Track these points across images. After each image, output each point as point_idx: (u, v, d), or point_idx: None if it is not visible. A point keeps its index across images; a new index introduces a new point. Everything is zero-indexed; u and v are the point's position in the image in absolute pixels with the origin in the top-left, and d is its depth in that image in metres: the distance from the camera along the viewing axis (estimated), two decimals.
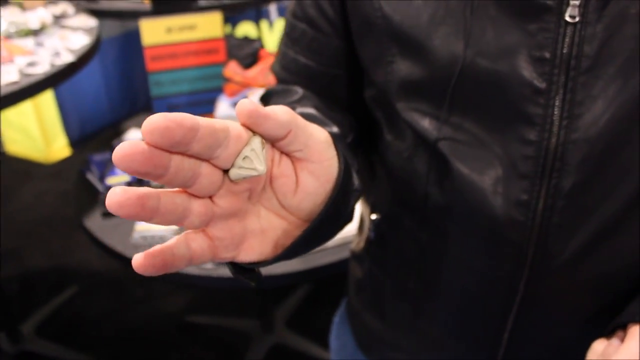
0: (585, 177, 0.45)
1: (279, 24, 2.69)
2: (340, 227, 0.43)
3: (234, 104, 1.34)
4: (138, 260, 0.31)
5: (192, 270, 1.12)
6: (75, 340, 1.82)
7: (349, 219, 0.43)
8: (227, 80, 1.42)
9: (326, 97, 0.59)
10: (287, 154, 0.35)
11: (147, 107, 2.15)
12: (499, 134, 0.47)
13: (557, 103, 0.44)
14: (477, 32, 0.47)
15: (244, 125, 0.32)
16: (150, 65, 1.41)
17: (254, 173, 0.32)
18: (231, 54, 1.48)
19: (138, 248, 1.17)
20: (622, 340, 0.47)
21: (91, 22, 1.44)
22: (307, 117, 0.44)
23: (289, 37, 0.60)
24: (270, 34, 2.75)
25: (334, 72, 0.59)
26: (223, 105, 1.34)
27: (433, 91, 0.49)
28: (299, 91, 0.57)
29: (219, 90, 1.47)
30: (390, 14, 0.51)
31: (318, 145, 0.36)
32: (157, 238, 1.17)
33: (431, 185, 0.52)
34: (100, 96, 2.74)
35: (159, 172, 0.28)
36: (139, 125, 1.60)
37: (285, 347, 1.76)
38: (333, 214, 0.38)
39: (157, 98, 1.45)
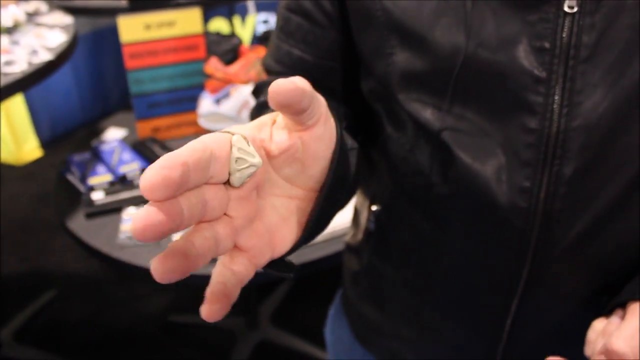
0: (585, 163, 0.46)
1: (252, 20, 2.67)
2: (349, 190, 0.45)
3: (217, 101, 1.33)
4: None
5: None
6: (55, 345, 1.79)
7: (353, 183, 0.45)
8: (208, 76, 1.41)
9: (321, 90, 0.59)
10: (299, 124, 0.35)
11: (122, 104, 2.11)
12: (501, 123, 0.48)
13: (557, 92, 0.45)
14: (477, 23, 0.47)
15: (280, 105, 0.32)
16: (129, 63, 1.39)
17: (252, 169, 0.32)
18: (210, 50, 1.47)
19: (124, 249, 1.15)
20: (622, 318, 0.49)
21: (67, 19, 1.41)
22: None
23: (283, 31, 0.60)
24: (243, 30, 2.73)
25: (329, 64, 0.59)
26: (206, 102, 1.33)
27: (435, 82, 0.50)
28: None
29: (199, 87, 1.46)
30: (390, 7, 0.51)
31: (324, 108, 0.36)
32: None
33: (434, 175, 0.52)
34: (71, 96, 2.68)
35: (177, 223, 0.28)
36: (117, 124, 1.58)
37: (270, 343, 1.76)
38: (341, 171, 0.39)
39: (137, 96, 1.43)
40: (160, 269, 0.27)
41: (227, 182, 0.32)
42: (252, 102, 0.62)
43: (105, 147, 1.41)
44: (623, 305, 0.50)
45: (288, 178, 0.38)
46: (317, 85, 0.58)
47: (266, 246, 0.35)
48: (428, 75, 0.50)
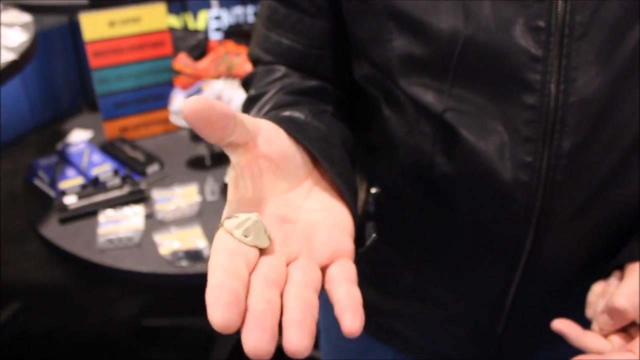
0: (584, 136, 0.48)
1: (204, 16, 2.63)
2: (344, 139, 0.49)
3: (189, 96, 1.30)
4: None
5: (148, 268, 1.09)
6: (24, 358, 1.72)
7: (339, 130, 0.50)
8: (176, 73, 1.38)
9: (313, 76, 0.59)
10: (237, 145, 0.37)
11: (75, 107, 2.05)
12: (501, 102, 0.49)
13: (553, 69, 0.47)
14: (475, 7, 0.49)
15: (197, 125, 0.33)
16: (94, 62, 1.35)
17: (258, 223, 0.35)
18: (175, 46, 1.44)
19: (105, 252, 1.12)
20: (620, 279, 0.52)
21: (25, 17, 1.35)
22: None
23: (271, 20, 0.60)
24: (196, 26, 2.69)
25: (319, 52, 0.59)
26: (179, 98, 1.30)
27: (435, 66, 0.51)
28: (281, 69, 0.58)
29: (168, 84, 1.43)
30: None
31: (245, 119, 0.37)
32: (124, 240, 1.13)
33: (437, 155, 0.53)
34: (19, 100, 2.57)
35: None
36: (82, 126, 1.52)
37: None
38: (316, 135, 0.43)
39: (103, 96, 1.38)
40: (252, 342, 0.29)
41: (261, 250, 0.34)
42: (228, 98, 0.61)
43: (72, 150, 1.36)
44: (621, 267, 0.53)
45: (282, 175, 0.40)
46: (309, 73, 0.59)
47: (327, 248, 0.38)
48: (428, 59, 0.51)
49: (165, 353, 1.76)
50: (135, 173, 1.30)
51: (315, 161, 0.44)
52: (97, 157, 1.33)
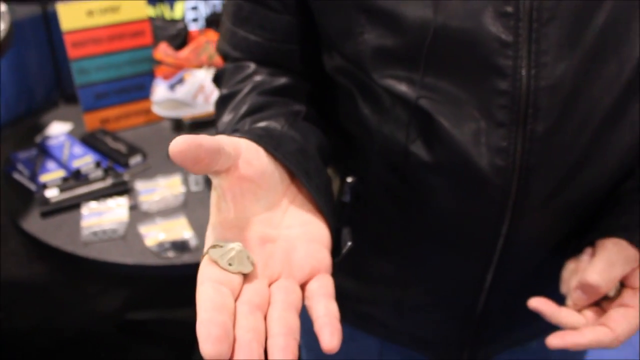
0: (556, 119, 0.49)
1: (181, 7, 2.60)
2: (320, 146, 0.52)
3: (171, 86, 1.29)
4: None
5: (134, 260, 1.08)
6: (6, 357, 1.69)
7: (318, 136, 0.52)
8: (157, 62, 1.36)
9: (282, 71, 0.59)
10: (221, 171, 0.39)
11: (50, 100, 2.00)
12: (475, 88, 0.50)
13: (524, 54, 0.48)
14: None
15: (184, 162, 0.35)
16: (72, 52, 1.32)
17: (242, 252, 0.38)
18: (155, 36, 1.42)
19: (89, 245, 1.10)
20: (592, 255, 0.54)
21: (0, 6, 1.32)
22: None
23: (237, 17, 0.60)
24: (172, 15, 2.65)
25: (288, 47, 0.59)
26: (161, 89, 1.28)
27: (407, 57, 0.51)
28: (251, 65, 0.58)
29: (148, 75, 1.41)
30: None
31: (230, 144, 0.39)
32: (109, 232, 1.11)
33: (412, 143, 0.54)
34: None
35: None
36: (61, 118, 1.50)
37: None
38: (293, 148, 0.45)
39: (83, 87, 1.36)
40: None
41: (245, 274, 0.37)
42: (211, 88, 0.61)
43: (52, 142, 1.34)
44: (592, 244, 0.55)
45: (266, 204, 0.42)
46: (278, 67, 0.59)
47: (311, 261, 0.41)
48: (400, 50, 0.51)
49: (150, 347, 1.75)
50: (118, 165, 1.28)
51: (292, 175, 0.45)
52: (78, 149, 1.31)
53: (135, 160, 1.30)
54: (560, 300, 0.55)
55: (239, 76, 0.58)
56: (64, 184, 1.22)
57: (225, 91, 0.58)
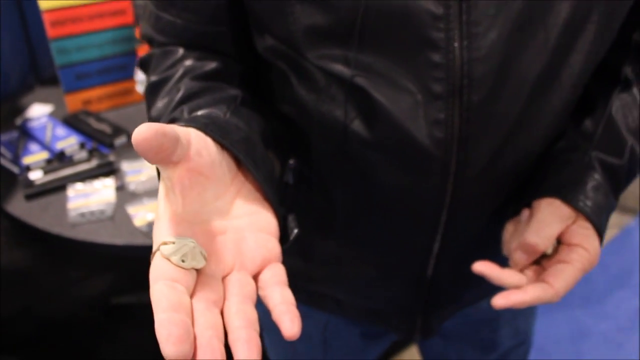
0: (490, 89, 0.51)
1: None
2: (268, 133, 0.51)
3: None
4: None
5: (123, 241, 1.07)
6: None
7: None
8: (139, 42, 1.34)
9: (213, 54, 0.58)
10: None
11: (24, 84, 1.96)
12: (409, 63, 0.50)
13: (455, 26, 0.48)
14: None
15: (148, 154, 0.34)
16: (52, 32, 1.29)
17: (195, 248, 0.37)
18: (137, 15, 1.39)
19: (76, 226, 1.09)
20: (529, 216, 0.57)
21: None
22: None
23: (161, 0, 0.58)
24: None
25: (216, 29, 0.58)
26: None
27: (340, 34, 0.51)
28: (179, 50, 0.57)
29: (131, 54, 1.38)
30: None
31: (184, 137, 0.38)
32: (96, 213, 1.10)
33: (351, 121, 0.54)
34: None
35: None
36: (41, 100, 1.47)
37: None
38: (239, 137, 0.44)
39: (63, 67, 1.33)
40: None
41: (197, 270, 0.37)
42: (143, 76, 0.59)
43: (34, 124, 1.31)
44: (529, 205, 0.58)
45: (213, 194, 0.41)
46: (208, 51, 0.58)
47: (259, 255, 0.41)
48: (332, 28, 0.51)
49: (136, 330, 1.74)
50: (103, 146, 1.27)
51: (238, 164, 0.45)
52: (61, 130, 1.28)
53: (120, 140, 1.28)
54: (504, 262, 0.58)
55: (168, 61, 0.56)
56: (48, 166, 1.20)
57: (155, 78, 0.56)
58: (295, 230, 0.49)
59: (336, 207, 0.62)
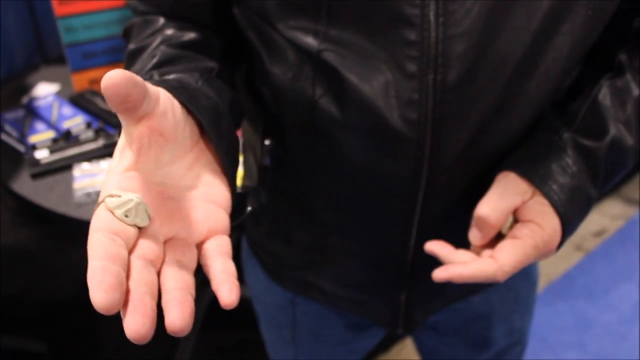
0: (467, 69, 0.49)
1: None
2: (230, 103, 0.49)
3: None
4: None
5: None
6: None
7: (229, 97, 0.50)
8: None
9: (192, 25, 0.57)
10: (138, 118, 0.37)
11: (30, 64, 1.95)
12: (382, 40, 0.49)
13: (431, 2, 0.47)
14: None
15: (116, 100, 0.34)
16: (59, 10, 1.28)
17: (140, 206, 0.36)
18: None
19: (82, 206, 1.08)
20: None
21: None
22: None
23: None
24: None
25: None
26: None
27: (311, 6, 0.50)
28: (160, 20, 0.56)
29: None
30: None
31: (151, 90, 0.37)
32: None
33: (322, 100, 0.53)
34: None
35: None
36: (47, 79, 1.46)
37: None
38: (205, 105, 0.43)
39: (70, 46, 1.32)
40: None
41: (140, 228, 0.36)
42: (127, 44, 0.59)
43: (40, 103, 1.30)
44: None
45: (170, 157, 0.40)
46: (188, 22, 0.57)
47: (204, 221, 0.40)
48: (303, 0, 0.50)
49: None
50: (109, 126, 1.26)
51: (202, 132, 0.43)
52: (67, 110, 1.27)
53: None
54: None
55: (148, 30, 0.56)
56: (54, 145, 1.19)
57: (133, 46, 0.55)
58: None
59: (311, 190, 0.61)
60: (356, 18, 0.48)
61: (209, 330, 1.66)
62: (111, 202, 0.35)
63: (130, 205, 0.35)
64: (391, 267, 0.64)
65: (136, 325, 0.31)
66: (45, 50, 2.09)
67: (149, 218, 0.36)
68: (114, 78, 0.32)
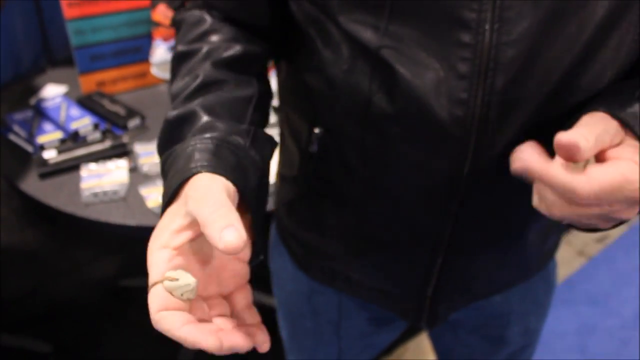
0: (515, 74, 0.51)
1: None
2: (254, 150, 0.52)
3: (172, 48, 1.27)
4: None
5: (136, 222, 1.07)
6: (0, 322, 1.68)
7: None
8: (155, 24, 1.34)
9: (244, 29, 0.60)
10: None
11: (37, 67, 1.97)
12: (438, 39, 0.51)
13: (488, 8, 0.49)
14: None
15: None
16: (68, 12, 1.29)
17: (194, 289, 0.42)
18: None
19: (89, 206, 1.10)
20: None
21: None
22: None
23: None
24: None
25: None
26: (160, 50, 1.27)
27: (375, 3, 0.52)
28: (208, 21, 0.59)
29: (146, 37, 1.38)
30: None
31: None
32: (109, 193, 1.11)
33: (375, 93, 0.55)
34: None
35: None
36: (55, 81, 1.47)
37: None
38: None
39: (79, 48, 1.34)
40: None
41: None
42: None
43: (48, 104, 1.31)
44: None
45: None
46: (241, 18, 0.59)
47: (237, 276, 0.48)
48: None
49: (142, 312, 1.75)
50: (116, 127, 1.27)
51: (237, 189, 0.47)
52: (75, 111, 1.29)
53: (133, 122, 1.29)
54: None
55: (196, 31, 0.58)
56: (62, 146, 1.21)
57: (181, 47, 0.58)
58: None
59: (354, 179, 0.62)
60: (416, 17, 0.50)
61: None
62: (170, 285, 0.41)
63: (187, 289, 0.41)
64: (423, 260, 0.65)
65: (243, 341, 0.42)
66: (52, 53, 2.10)
67: (197, 291, 0.43)
68: (236, 245, 0.39)
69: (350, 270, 0.71)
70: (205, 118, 0.51)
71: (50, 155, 1.18)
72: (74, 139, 1.23)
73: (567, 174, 0.42)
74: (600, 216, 0.45)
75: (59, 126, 1.25)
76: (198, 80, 0.54)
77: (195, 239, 0.44)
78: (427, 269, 0.65)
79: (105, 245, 1.95)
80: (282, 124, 0.73)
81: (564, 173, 0.42)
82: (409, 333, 1.73)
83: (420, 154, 0.56)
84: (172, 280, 0.41)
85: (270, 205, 0.84)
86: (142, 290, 1.73)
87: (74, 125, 1.24)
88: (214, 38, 0.58)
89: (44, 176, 1.16)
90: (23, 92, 1.43)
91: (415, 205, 0.60)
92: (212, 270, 0.46)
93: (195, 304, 0.43)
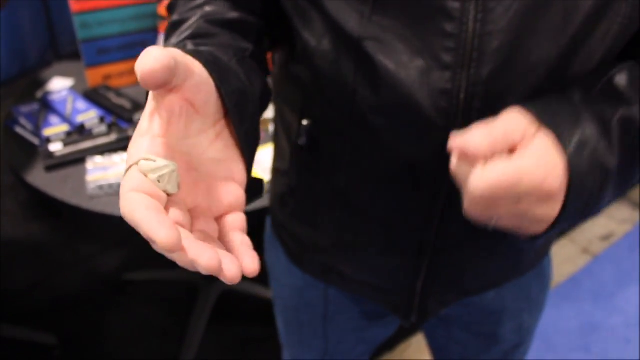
0: (500, 64, 0.50)
1: None
2: (258, 93, 0.49)
3: None
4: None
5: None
6: (4, 314, 1.69)
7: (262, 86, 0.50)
8: (162, 18, 1.34)
9: (239, 9, 0.58)
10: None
11: (44, 61, 1.98)
12: (421, 29, 0.51)
13: None
14: None
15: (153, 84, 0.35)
16: (75, 6, 1.30)
17: (173, 174, 0.36)
18: None
19: (95, 199, 1.10)
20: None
21: None
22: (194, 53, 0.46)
23: None
24: None
25: None
26: None
27: None
28: None
29: (152, 31, 1.39)
30: None
31: (183, 62, 0.38)
32: (115, 186, 1.11)
33: (359, 84, 0.55)
34: None
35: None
36: (62, 74, 1.48)
37: (233, 293, 1.76)
38: (236, 87, 0.44)
39: (85, 41, 1.34)
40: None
41: (168, 195, 0.36)
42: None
43: (54, 97, 1.32)
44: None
45: (197, 128, 0.41)
46: (236, 5, 0.58)
47: (216, 195, 0.41)
48: None
49: (146, 306, 1.76)
50: (122, 120, 1.27)
51: (226, 110, 0.44)
52: (81, 104, 1.29)
53: (139, 116, 1.29)
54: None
55: (192, 4, 0.57)
56: (68, 139, 1.21)
57: (175, 17, 0.56)
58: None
59: (342, 171, 0.62)
60: (400, 6, 0.50)
61: (215, 327, 1.68)
62: (146, 165, 0.35)
63: (165, 171, 0.35)
64: (412, 253, 0.65)
65: (210, 258, 0.33)
66: (58, 46, 2.11)
67: (178, 187, 0.37)
68: (151, 65, 0.34)
69: (342, 264, 0.71)
70: (190, 47, 0.49)
71: (56, 147, 1.18)
72: (80, 131, 1.23)
73: (468, 171, 0.43)
74: (513, 215, 0.44)
75: (65, 119, 1.25)
76: (190, 31, 0.52)
77: (173, 118, 0.39)
78: (415, 263, 0.66)
79: (111, 238, 1.96)
80: (276, 118, 0.73)
81: (466, 169, 0.44)
82: (411, 330, 1.73)
83: (405, 145, 0.56)
84: (147, 160, 0.36)
85: (266, 201, 0.85)
86: (147, 284, 1.78)
87: (80, 118, 1.24)
88: (209, 8, 0.56)
89: (49, 169, 1.16)
90: (30, 85, 1.44)
91: (403, 197, 0.60)
92: (201, 178, 0.41)
93: (172, 205, 0.37)
